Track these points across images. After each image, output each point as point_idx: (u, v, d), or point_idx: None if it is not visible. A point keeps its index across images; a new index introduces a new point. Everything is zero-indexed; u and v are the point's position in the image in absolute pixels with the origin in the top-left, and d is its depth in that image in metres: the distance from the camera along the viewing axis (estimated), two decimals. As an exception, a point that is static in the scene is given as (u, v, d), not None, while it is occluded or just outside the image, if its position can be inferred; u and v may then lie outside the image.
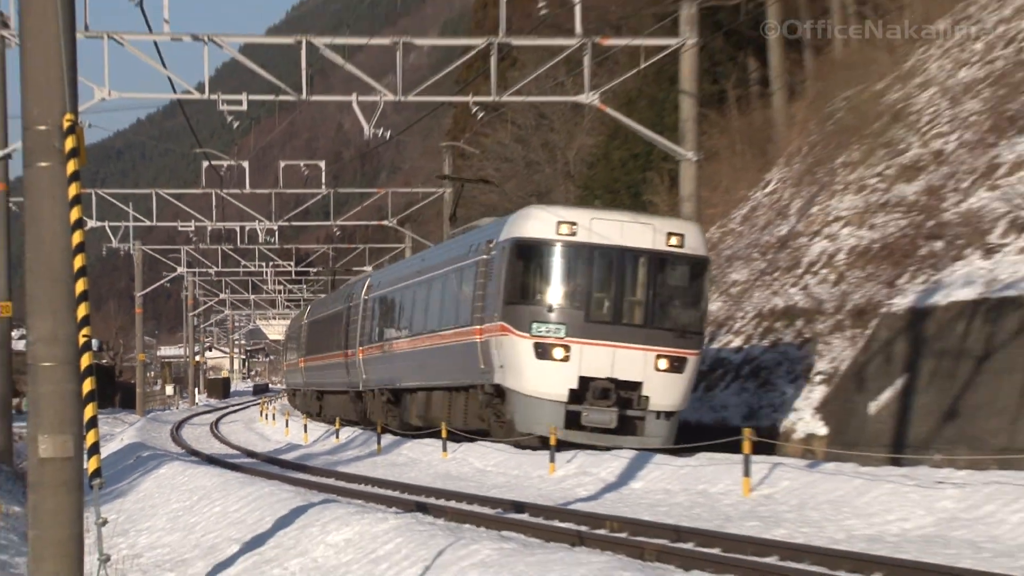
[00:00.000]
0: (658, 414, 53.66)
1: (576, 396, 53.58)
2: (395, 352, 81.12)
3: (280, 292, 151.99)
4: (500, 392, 58.11)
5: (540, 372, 54.61)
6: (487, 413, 61.58)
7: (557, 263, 55.58)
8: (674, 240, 53.28)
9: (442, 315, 70.18)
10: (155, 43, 54.14)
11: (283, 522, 30.45)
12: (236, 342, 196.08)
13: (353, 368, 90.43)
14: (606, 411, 52.87)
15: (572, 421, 53.29)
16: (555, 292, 55.13)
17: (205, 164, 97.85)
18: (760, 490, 34.22)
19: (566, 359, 53.94)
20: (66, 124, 21.13)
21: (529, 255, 55.68)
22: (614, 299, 55.18)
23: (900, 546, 24.40)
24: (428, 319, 73.43)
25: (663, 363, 52.76)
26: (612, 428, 52.91)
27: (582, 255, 55.05)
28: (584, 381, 53.88)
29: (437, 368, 70.27)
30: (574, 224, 53.82)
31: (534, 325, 53.25)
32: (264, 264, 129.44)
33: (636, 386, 53.26)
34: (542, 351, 53.26)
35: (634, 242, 53.40)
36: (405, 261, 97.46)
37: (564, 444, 54.63)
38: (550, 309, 54.58)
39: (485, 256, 59.84)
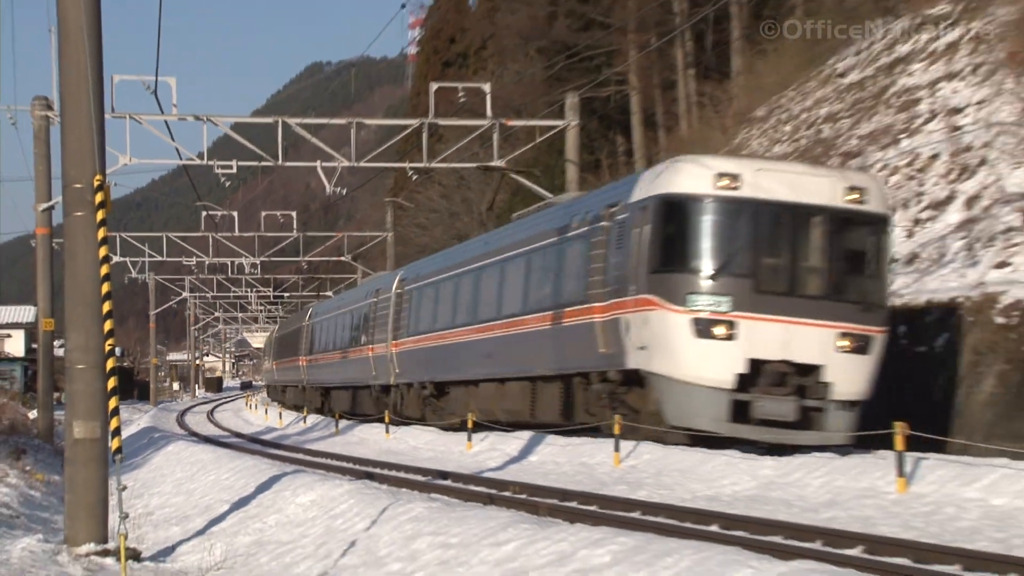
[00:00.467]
0: (841, 403, 37.34)
1: (744, 382, 37.54)
2: (447, 343, 59.39)
3: (261, 311, 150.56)
4: (636, 379, 40.92)
5: (699, 354, 38.22)
6: (607, 404, 43.13)
7: (717, 223, 39.05)
8: (854, 195, 37.88)
9: (530, 297, 50.51)
10: (165, 122, 53.94)
11: (262, 487, 30.85)
12: (227, 349, 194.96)
13: (381, 363, 66.06)
14: (784, 401, 37.15)
15: (739, 413, 37.33)
16: (715, 258, 38.51)
17: (204, 214, 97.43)
18: (627, 462, 33.78)
19: (731, 337, 37.87)
20: (96, 183, 21.84)
21: (681, 214, 39.27)
22: (787, 265, 39.35)
23: (732, 504, 24.52)
24: (504, 304, 53.58)
25: (847, 342, 37.04)
26: (790, 421, 36.88)
27: (747, 213, 39.27)
28: (754, 364, 37.74)
29: (522, 356, 50.88)
30: (736, 177, 38.36)
31: (691, 297, 37.30)
32: (249, 290, 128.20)
33: (815, 370, 37.40)
34: (702, 328, 37.44)
35: (808, 198, 38.09)
36: (451, 250, 71.44)
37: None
38: (710, 278, 38.20)
39: (606, 223, 43.34)
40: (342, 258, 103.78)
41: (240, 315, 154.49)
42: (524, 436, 43.16)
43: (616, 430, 35.89)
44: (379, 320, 62.17)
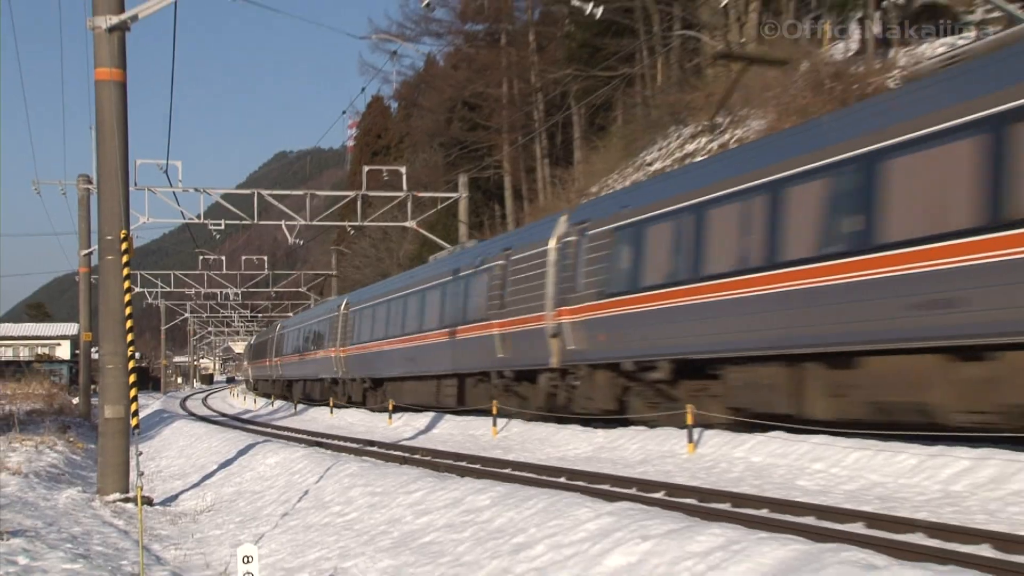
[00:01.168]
0: None
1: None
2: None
3: (241, 327, 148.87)
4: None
5: None
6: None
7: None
8: None
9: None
10: (174, 193, 53.87)
11: (241, 452, 30.75)
12: (216, 354, 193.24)
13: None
14: None
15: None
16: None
17: (200, 257, 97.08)
18: (501, 433, 34.12)
19: None
20: (122, 236, 21.95)
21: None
22: None
23: (574, 462, 24.48)
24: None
25: None
26: None
27: None
28: None
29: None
30: None
31: None
32: (232, 312, 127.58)
33: None
34: None
35: None
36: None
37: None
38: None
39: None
40: (300, 289, 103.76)
41: (226, 329, 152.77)
42: (430, 415, 42.96)
43: (494, 410, 35.30)
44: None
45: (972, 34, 49.69)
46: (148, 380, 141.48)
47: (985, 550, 11.61)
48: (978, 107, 17.82)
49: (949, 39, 50.59)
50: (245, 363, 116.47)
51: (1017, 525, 12.98)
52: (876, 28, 55.11)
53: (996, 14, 31.20)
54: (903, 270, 19.77)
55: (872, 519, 13.90)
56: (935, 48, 50.89)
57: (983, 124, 17.87)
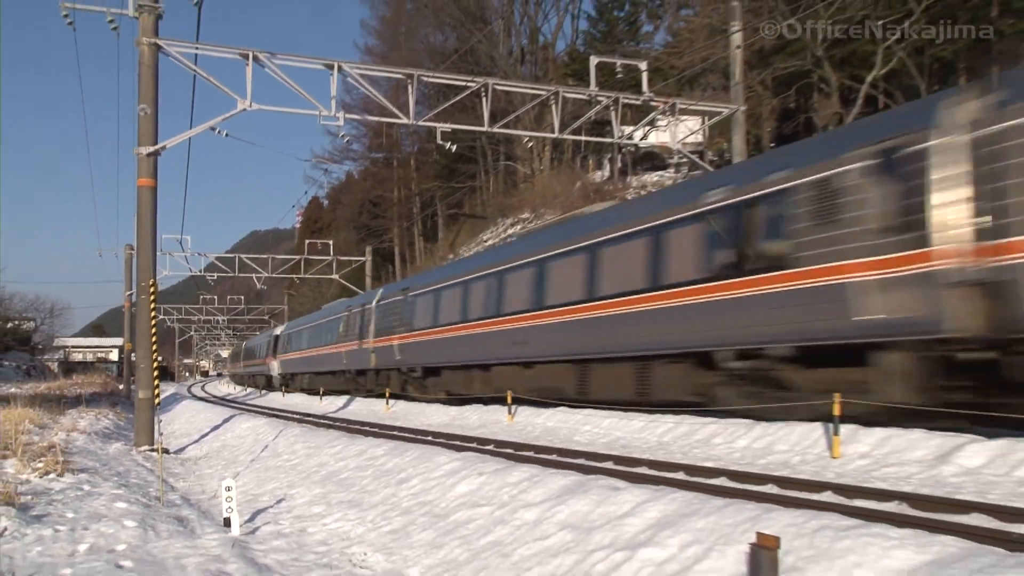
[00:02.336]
0: None
1: None
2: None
3: (227, 341, 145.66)
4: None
5: None
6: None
7: None
8: None
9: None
10: (185, 256, 53.43)
11: (225, 421, 30.15)
12: (211, 358, 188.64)
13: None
14: None
15: None
16: None
17: (201, 296, 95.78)
18: (392, 409, 33.14)
19: None
20: (151, 283, 21.20)
21: None
22: None
23: (438, 427, 24.34)
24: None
25: None
26: None
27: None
28: None
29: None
30: None
31: None
32: (221, 331, 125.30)
33: None
34: None
35: None
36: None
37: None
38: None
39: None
40: (264, 317, 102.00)
41: (216, 342, 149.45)
42: (344, 397, 42.40)
43: (387, 393, 34.46)
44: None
45: (672, 172, 51.17)
46: (167, 374, 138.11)
47: (680, 475, 11.84)
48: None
49: (659, 173, 52.18)
50: (228, 364, 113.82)
51: (701, 460, 13.24)
52: (618, 164, 56.30)
53: (684, 160, 32.28)
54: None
55: (617, 459, 13.97)
56: (652, 177, 52.26)
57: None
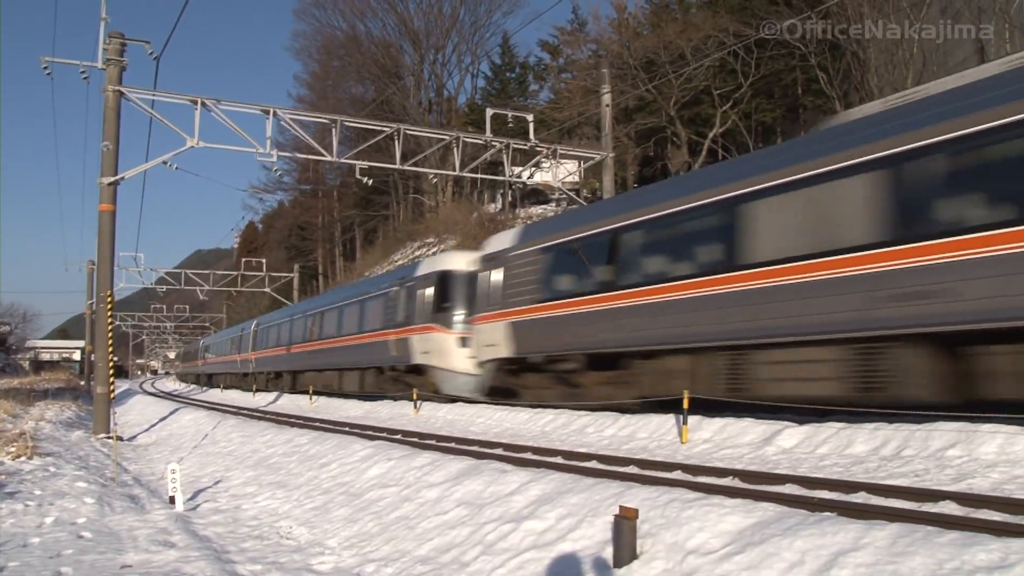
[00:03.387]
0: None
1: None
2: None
3: (173, 344, 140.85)
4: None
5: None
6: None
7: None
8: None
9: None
10: (139, 271, 52.20)
11: (171, 413, 29.34)
12: (160, 358, 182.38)
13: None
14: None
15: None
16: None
17: (152, 306, 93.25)
18: (315, 404, 32.93)
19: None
20: (109, 294, 20.50)
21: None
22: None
23: (354, 419, 23.98)
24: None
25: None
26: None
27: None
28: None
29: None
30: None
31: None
32: (169, 336, 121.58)
33: None
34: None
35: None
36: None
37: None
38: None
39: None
40: (206, 325, 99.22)
41: (165, 345, 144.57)
42: (275, 392, 41.11)
43: (310, 390, 33.97)
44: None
45: (553, 205, 51.64)
46: (122, 372, 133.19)
47: (558, 459, 11.89)
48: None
49: (542, 206, 52.57)
50: (177, 363, 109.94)
51: (576, 446, 13.30)
52: (509, 198, 56.59)
53: (564, 196, 32.70)
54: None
55: (506, 446, 13.89)
56: (536, 210, 52.63)
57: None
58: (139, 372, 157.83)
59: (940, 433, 9.82)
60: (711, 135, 39.87)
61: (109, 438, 20.09)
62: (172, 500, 11.08)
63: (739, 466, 10.32)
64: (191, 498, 11.90)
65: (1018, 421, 9.80)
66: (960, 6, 27.32)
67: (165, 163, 22.13)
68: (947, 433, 9.76)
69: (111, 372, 21.16)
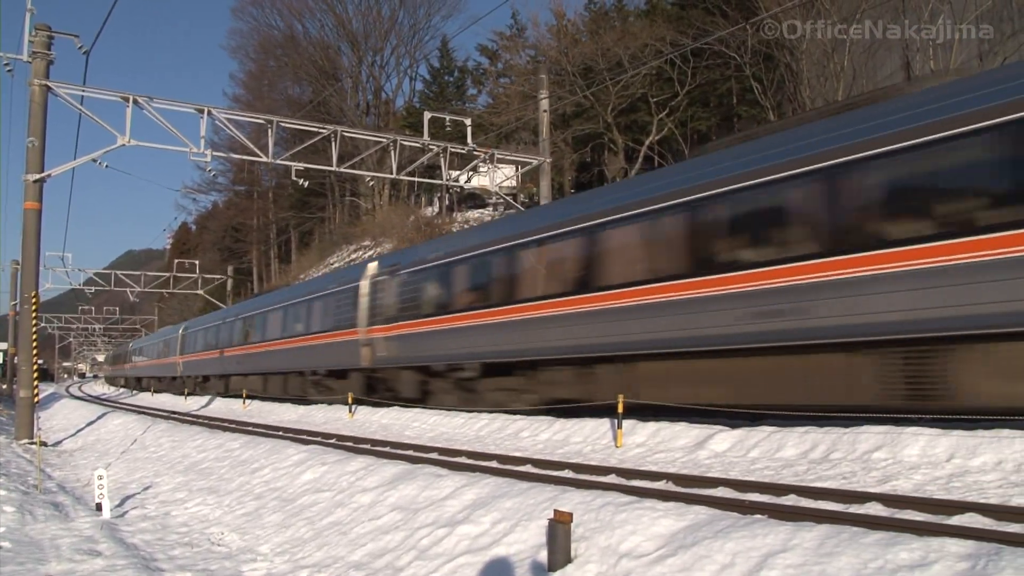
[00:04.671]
0: None
1: None
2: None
3: (103, 347, 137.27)
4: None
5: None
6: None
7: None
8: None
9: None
10: (66, 272, 50.71)
11: (99, 417, 28.54)
12: (87, 361, 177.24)
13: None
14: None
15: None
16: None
17: (80, 308, 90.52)
18: (248, 407, 32.64)
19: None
20: (34, 295, 19.87)
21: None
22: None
23: (288, 423, 23.78)
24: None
25: None
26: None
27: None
28: None
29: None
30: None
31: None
32: (98, 338, 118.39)
33: None
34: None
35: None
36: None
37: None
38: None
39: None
40: (137, 327, 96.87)
41: (93, 348, 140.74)
42: (209, 396, 40.46)
43: (243, 394, 33.28)
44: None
45: (490, 210, 51.76)
46: (47, 376, 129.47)
47: (493, 463, 11.88)
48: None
49: (479, 211, 52.69)
50: (106, 366, 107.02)
51: (511, 450, 13.33)
52: (446, 202, 56.52)
53: (501, 200, 32.73)
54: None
55: (441, 451, 13.86)
56: (474, 214, 52.68)
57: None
58: (66, 375, 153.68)
59: (867, 436, 10.08)
60: (647, 142, 40.33)
61: (32, 444, 19.48)
62: (99, 507, 10.81)
63: (672, 470, 10.44)
64: (119, 505, 11.62)
65: (940, 424, 10.17)
66: (883, 12, 28.07)
67: (95, 161, 21.58)
68: (874, 436, 10.02)
69: (35, 375, 20.57)
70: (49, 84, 20.37)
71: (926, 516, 7.11)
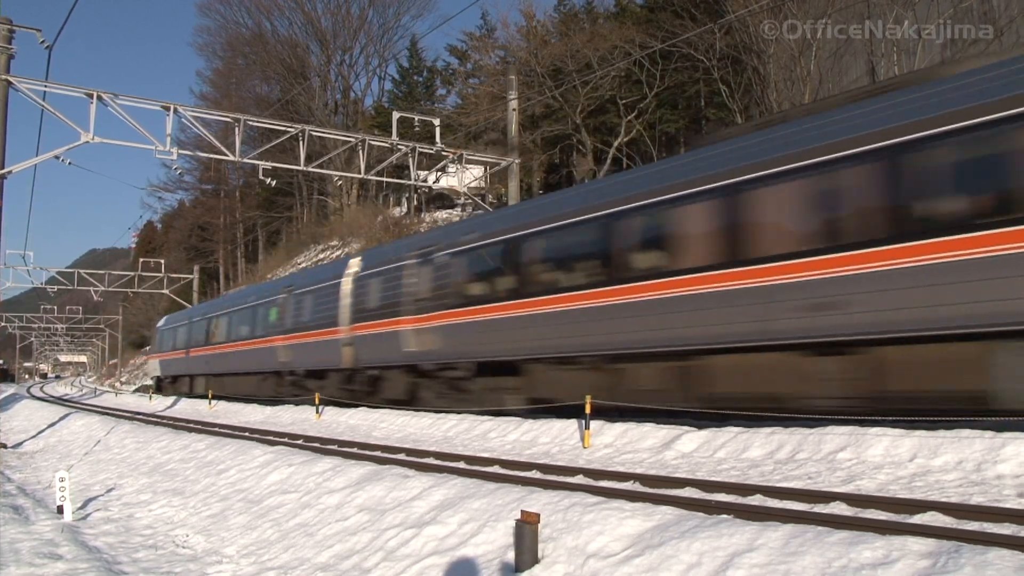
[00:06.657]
0: None
1: None
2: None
3: (66, 347, 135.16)
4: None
5: None
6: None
7: None
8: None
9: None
10: (28, 270, 50.06)
11: (62, 418, 28.18)
12: (50, 361, 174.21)
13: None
14: None
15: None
16: None
17: (42, 307, 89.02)
18: (215, 408, 32.26)
19: None
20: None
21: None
22: None
23: (254, 424, 23.60)
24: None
25: None
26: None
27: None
28: None
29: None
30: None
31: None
32: (61, 339, 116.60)
33: None
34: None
35: None
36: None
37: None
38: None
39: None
40: (102, 327, 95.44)
41: (55, 348, 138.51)
42: (173, 397, 39.98)
43: (209, 394, 32.95)
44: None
45: (459, 210, 51.74)
46: (7, 376, 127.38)
47: (461, 464, 11.89)
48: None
49: (448, 211, 52.63)
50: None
51: (479, 451, 13.33)
52: (414, 202, 56.37)
53: (470, 201, 32.76)
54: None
55: (409, 451, 13.83)
56: (442, 214, 52.63)
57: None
58: (27, 376, 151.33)
59: (832, 436, 10.19)
60: (616, 144, 40.51)
61: (-9, 445, 19.20)
62: (60, 510, 10.66)
63: (640, 470, 10.50)
64: (81, 507, 11.46)
65: (903, 424, 10.30)
66: (850, 17, 28.41)
67: (58, 158, 21.26)
68: (838, 436, 10.14)
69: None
70: (10, 79, 19.98)
71: (889, 515, 7.21)
